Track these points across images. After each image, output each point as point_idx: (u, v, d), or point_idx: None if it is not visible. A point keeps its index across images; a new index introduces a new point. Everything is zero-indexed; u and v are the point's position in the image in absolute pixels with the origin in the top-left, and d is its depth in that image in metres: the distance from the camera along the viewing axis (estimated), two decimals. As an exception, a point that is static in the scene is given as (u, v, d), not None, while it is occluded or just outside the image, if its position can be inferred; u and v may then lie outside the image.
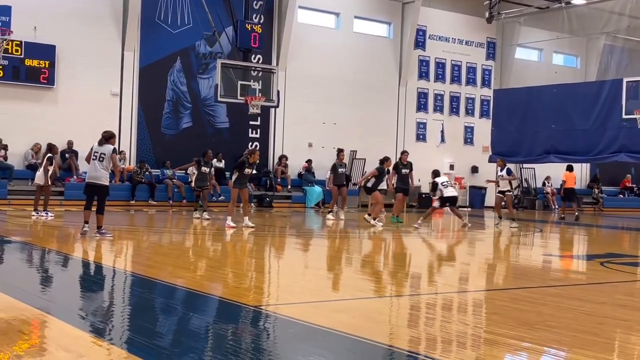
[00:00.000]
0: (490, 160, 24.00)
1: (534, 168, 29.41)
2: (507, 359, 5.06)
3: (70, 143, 21.50)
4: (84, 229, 12.04)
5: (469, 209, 26.99)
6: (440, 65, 29.19)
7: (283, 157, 25.13)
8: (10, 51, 20.41)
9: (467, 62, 29.80)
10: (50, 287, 7.89)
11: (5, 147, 20.72)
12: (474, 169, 29.45)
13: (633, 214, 29.59)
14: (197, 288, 7.52)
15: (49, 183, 16.64)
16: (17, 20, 19.44)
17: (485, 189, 27.62)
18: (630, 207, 32.15)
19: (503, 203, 18.77)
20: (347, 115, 26.53)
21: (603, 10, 26.35)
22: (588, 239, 17.96)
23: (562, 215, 23.03)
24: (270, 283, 8.69)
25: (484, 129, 28.29)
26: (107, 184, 12.18)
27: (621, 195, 33.45)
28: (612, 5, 25.48)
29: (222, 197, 21.84)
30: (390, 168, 18.25)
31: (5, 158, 20.72)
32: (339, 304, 7.06)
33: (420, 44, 28.50)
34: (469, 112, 30.05)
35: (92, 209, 12.22)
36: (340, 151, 19.98)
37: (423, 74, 28.79)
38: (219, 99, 20.67)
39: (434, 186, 17.13)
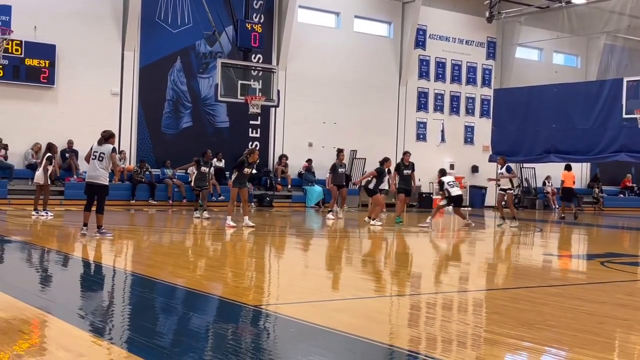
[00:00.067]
0: (491, 160, 24.00)
1: (534, 167, 29.42)
2: (507, 359, 5.05)
3: (70, 143, 21.50)
4: (83, 231, 12.04)
5: (469, 208, 26.98)
6: (441, 65, 29.19)
7: (283, 157, 25.13)
8: (10, 51, 20.41)
9: (467, 62, 29.80)
10: (51, 287, 7.89)
11: (5, 147, 20.72)
12: (474, 169, 29.45)
13: (633, 214, 29.59)
14: (197, 288, 7.52)
15: (49, 182, 16.64)
16: (17, 20, 19.43)
17: (485, 188, 27.63)
18: (631, 206, 32.16)
19: (504, 202, 18.75)
20: (348, 114, 26.53)
21: (603, 9, 26.34)
22: (588, 238, 17.96)
23: (563, 215, 23.03)
24: (270, 282, 8.68)
25: (484, 128, 28.30)
26: (107, 183, 12.16)
27: (621, 195, 33.46)
28: (612, 4, 25.47)
29: (222, 197, 21.84)
30: (392, 169, 18.25)
31: (6, 157, 20.72)
32: (339, 303, 7.05)
33: (420, 43, 28.50)
34: (469, 111, 30.05)
35: (92, 210, 12.22)
36: (340, 151, 19.99)
37: (423, 74, 28.79)
38: (219, 98, 20.66)
39: (441, 185, 17.13)
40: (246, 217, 15.24)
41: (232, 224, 14.93)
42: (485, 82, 30.37)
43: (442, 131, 29.22)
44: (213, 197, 21.42)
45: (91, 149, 12.17)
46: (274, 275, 9.49)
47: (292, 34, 25.06)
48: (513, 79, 29.54)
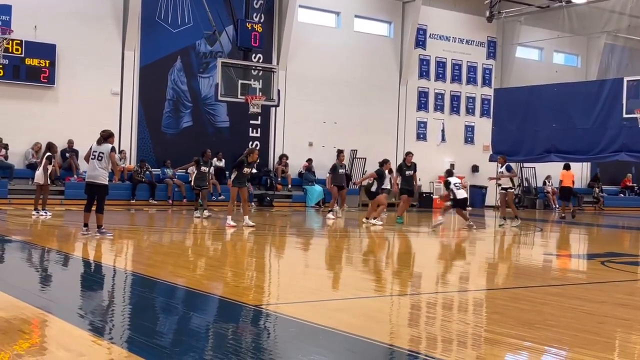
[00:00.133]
0: (491, 160, 23.98)
1: (534, 167, 29.42)
2: (507, 358, 5.05)
3: (70, 142, 21.50)
4: (83, 232, 12.04)
5: (470, 208, 26.94)
6: (441, 65, 29.19)
7: (283, 157, 25.13)
8: (10, 50, 20.41)
9: (467, 61, 29.79)
10: (51, 286, 7.89)
11: (5, 147, 20.72)
12: (475, 168, 29.45)
13: (633, 213, 29.60)
14: (197, 287, 7.52)
15: (49, 182, 16.63)
16: (17, 20, 19.43)
17: (486, 188, 27.62)
18: (631, 206, 32.17)
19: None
20: (348, 114, 26.53)
21: (604, 9, 26.33)
22: (588, 238, 17.96)
23: (563, 215, 23.02)
24: (270, 282, 8.68)
25: (484, 128, 28.29)
26: (106, 183, 12.15)
27: (622, 195, 33.46)
28: (612, 4, 25.47)
29: (222, 197, 21.84)
30: (394, 169, 18.25)
31: (6, 157, 20.72)
32: (339, 303, 7.05)
33: (420, 43, 28.49)
34: (470, 111, 30.05)
35: (92, 210, 12.21)
36: (340, 152, 20.02)
37: (424, 73, 28.79)
38: (220, 98, 20.65)
39: (447, 185, 17.11)
40: (246, 217, 15.24)
41: (232, 223, 14.94)
42: (486, 82, 30.36)
43: (443, 131, 29.21)
44: (213, 197, 21.43)
45: (90, 148, 12.17)
46: (274, 274, 9.49)
47: (293, 33, 25.05)
48: (513, 79, 29.54)
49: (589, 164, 31.55)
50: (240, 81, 20.22)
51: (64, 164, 21.25)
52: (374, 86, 27.17)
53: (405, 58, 27.81)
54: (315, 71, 25.76)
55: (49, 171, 16.40)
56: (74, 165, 21.40)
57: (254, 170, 17.71)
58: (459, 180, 17.48)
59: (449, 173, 17.49)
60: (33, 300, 6.45)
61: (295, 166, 25.44)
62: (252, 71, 20.93)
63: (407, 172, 17.83)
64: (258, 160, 19.86)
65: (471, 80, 30.02)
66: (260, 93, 20.45)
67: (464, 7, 29.16)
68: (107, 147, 12.03)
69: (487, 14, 27.99)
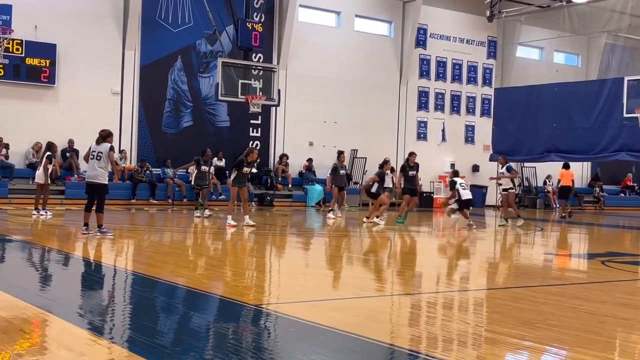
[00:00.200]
0: (491, 159, 23.98)
1: (535, 167, 29.42)
2: (508, 358, 5.05)
3: (71, 142, 21.51)
4: (83, 232, 12.04)
5: (470, 208, 26.92)
6: (441, 64, 29.18)
7: (284, 156, 25.13)
8: (11, 50, 20.42)
9: (468, 61, 29.79)
10: (51, 286, 7.89)
11: (6, 146, 20.73)
12: (475, 168, 29.44)
13: (634, 213, 29.59)
14: (197, 287, 7.52)
15: (49, 182, 16.63)
16: (17, 19, 19.45)
17: (486, 187, 27.62)
18: (631, 205, 32.17)
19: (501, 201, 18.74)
20: (348, 114, 26.53)
21: (604, 8, 26.32)
22: (589, 237, 17.95)
23: (563, 214, 23.02)
24: (271, 282, 8.68)
25: (484, 127, 28.28)
26: (106, 182, 12.13)
27: (622, 194, 33.45)
28: (613, 3, 25.45)
29: (222, 196, 21.84)
30: (395, 169, 18.26)
31: (7, 157, 20.73)
32: (339, 302, 7.05)
33: (421, 42, 28.49)
34: (470, 110, 30.04)
35: (93, 210, 12.21)
36: (340, 153, 20.04)
37: (424, 73, 28.78)
38: (220, 97, 20.67)
39: (452, 184, 17.13)
40: (246, 217, 15.25)
41: (232, 223, 14.94)
42: (486, 81, 30.35)
43: (443, 130, 29.21)
44: (213, 196, 21.43)
45: (90, 148, 12.17)
46: (274, 274, 9.48)
47: (293, 33, 25.05)
48: (514, 78, 29.52)
49: (589, 163, 31.55)
50: (240, 81, 20.24)
51: (65, 164, 21.25)
52: (374, 86, 27.16)
53: (406, 58, 27.81)
54: (316, 71, 25.76)
55: (50, 171, 16.40)
56: (75, 165, 21.40)
57: (254, 170, 17.71)
58: (464, 181, 17.50)
59: (456, 173, 17.52)
60: (34, 300, 6.45)
61: (295, 166, 25.44)
62: (253, 71, 20.94)
63: (411, 173, 17.84)
64: (258, 160, 19.87)
65: (471, 80, 30.02)
66: (261, 93, 20.46)
67: (465, 6, 29.15)
68: (105, 146, 12.02)
69: (488, 13, 27.98)
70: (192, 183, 19.23)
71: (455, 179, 17.16)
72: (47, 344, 5.03)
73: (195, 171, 18.62)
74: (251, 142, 24.36)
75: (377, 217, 17.12)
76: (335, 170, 19.29)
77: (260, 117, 24.31)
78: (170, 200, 22.24)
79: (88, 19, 22.03)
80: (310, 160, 25.39)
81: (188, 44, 23.81)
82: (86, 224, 12.06)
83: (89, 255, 10.35)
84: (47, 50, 21.16)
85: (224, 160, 23.30)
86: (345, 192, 19.74)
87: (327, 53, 26.08)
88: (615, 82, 21.56)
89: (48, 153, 16.38)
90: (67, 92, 21.76)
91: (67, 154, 21.48)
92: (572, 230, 19.00)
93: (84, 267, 9.44)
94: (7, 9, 19.05)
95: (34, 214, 16.10)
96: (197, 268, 9.41)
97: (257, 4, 24.33)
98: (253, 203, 22.16)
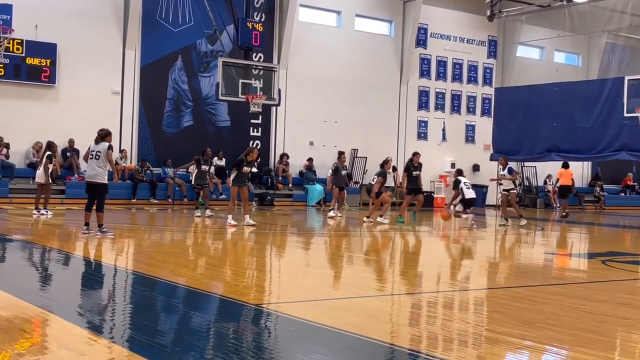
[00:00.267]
0: (492, 159, 23.99)
1: (535, 166, 29.41)
2: (508, 358, 5.05)
3: (71, 141, 21.50)
4: (84, 231, 12.04)
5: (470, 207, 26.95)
6: (442, 64, 29.18)
7: (284, 156, 25.13)
8: (11, 50, 20.42)
9: (468, 61, 29.79)
10: (52, 286, 7.89)
11: (6, 146, 20.73)
12: (475, 168, 29.43)
13: (634, 212, 29.58)
14: (198, 286, 7.53)
15: (50, 181, 16.63)
16: (18, 19, 19.45)
17: (486, 187, 27.61)
18: (632, 205, 32.16)
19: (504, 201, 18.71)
20: (348, 113, 26.52)
21: (604, 8, 26.31)
22: (589, 237, 17.95)
23: (563, 214, 23.02)
24: (271, 281, 8.69)
25: (485, 127, 28.28)
26: (105, 182, 12.12)
27: (622, 194, 33.45)
28: (613, 3, 25.45)
29: (223, 196, 21.84)
30: (398, 168, 18.25)
31: (7, 156, 20.73)
32: (340, 302, 7.05)
33: (421, 42, 28.48)
34: (470, 110, 30.04)
35: (93, 209, 12.22)
36: (341, 153, 20.06)
37: (424, 72, 28.78)
38: (220, 97, 20.66)
39: (456, 183, 17.12)
40: (247, 216, 15.25)
41: (233, 222, 14.94)
42: (487, 81, 30.35)
43: (443, 130, 29.20)
44: (213, 196, 21.42)
45: (89, 148, 12.17)
46: (275, 274, 9.49)
47: (293, 32, 25.05)
48: (514, 78, 29.51)
49: (589, 163, 31.55)
50: (241, 80, 20.24)
51: (65, 163, 21.25)
52: (374, 85, 27.16)
53: (406, 57, 27.80)
54: (316, 70, 25.75)
55: (50, 170, 16.40)
56: (75, 165, 21.40)
57: (255, 170, 17.71)
58: (467, 180, 17.49)
59: (460, 172, 17.51)
60: (34, 300, 6.45)
61: (296, 165, 25.44)
62: (253, 70, 20.94)
63: (415, 173, 17.85)
64: (258, 160, 19.87)
65: (472, 80, 30.01)
66: (261, 92, 20.46)
67: (465, 6, 29.14)
68: (104, 146, 12.01)
69: (488, 13, 27.97)
70: (193, 183, 19.24)
71: (459, 177, 17.16)
72: (48, 344, 5.03)
73: (196, 171, 18.64)
74: (251, 142, 24.36)
75: (381, 216, 17.14)
76: (336, 170, 19.30)
77: (260, 116, 24.30)
78: (170, 200, 22.25)
79: (88, 19, 22.03)
80: (310, 159, 25.39)
81: (188, 43, 23.81)
82: (87, 224, 12.07)
83: (89, 254, 10.35)
84: (48, 50, 21.15)
85: (224, 159, 23.30)
86: (345, 192, 19.75)
87: (328, 53, 26.07)
88: (616, 82, 21.56)
89: (48, 153, 16.39)
90: (67, 91, 21.76)
91: (68, 154, 21.48)
92: (573, 230, 19.00)
93: (84, 266, 9.45)
94: (7, 9, 19.06)
95: (34, 214, 16.11)
96: (198, 267, 9.41)
97: (257, 3, 24.32)
98: (253, 202, 22.16)
